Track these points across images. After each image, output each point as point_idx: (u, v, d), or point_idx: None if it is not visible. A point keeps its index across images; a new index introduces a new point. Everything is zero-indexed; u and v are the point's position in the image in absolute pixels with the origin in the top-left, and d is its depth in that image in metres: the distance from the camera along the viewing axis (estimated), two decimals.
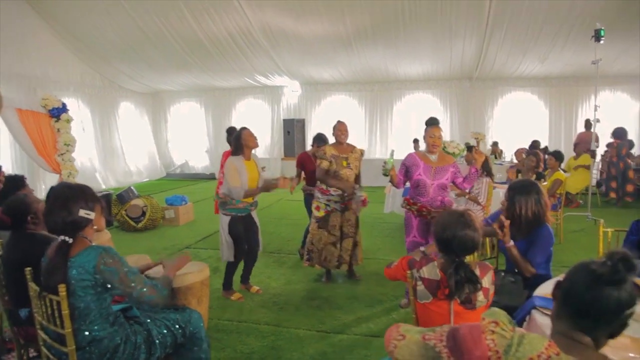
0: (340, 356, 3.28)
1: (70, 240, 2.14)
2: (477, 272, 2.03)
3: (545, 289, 2.40)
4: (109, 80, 12.29)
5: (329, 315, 3.98)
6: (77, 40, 10.41)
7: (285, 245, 6.34)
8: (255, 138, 4.33)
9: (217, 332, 3.63)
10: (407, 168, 3.98)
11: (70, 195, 2.18)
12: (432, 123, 3.97)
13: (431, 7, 8.45)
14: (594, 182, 8.75)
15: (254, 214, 4.43)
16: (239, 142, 4.25)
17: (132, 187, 7.76)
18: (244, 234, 4.31)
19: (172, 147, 14.67)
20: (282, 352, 3.36)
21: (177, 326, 2.46)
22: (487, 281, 2.04)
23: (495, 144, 10.87)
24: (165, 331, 2.41)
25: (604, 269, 1.16)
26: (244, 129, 4.34)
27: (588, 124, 9.89)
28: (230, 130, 5.74)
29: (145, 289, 2.21)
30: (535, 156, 6.08)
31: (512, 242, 2.78)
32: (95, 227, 2.26)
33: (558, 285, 1.26)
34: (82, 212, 2.17)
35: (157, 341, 2.36)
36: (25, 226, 2.76)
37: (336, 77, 12.38)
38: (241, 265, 4.51)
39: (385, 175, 3.96)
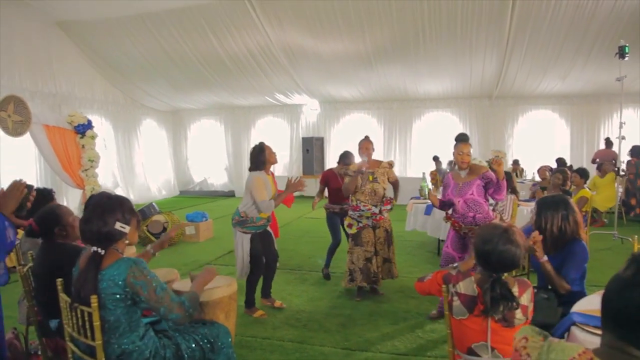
0: None
1: (103, 252, 2.14)
2: (516, 289, 1.97)
3: (582, 306, 2.34)
4: (131, 98, 12.54)
5: (353, 333, 3.92)
6: (102, 60, 10.69)
7: (306, 262, 6.30)
8: (275, 154, 4.42)
9: (241, 348, 3.59)
10: (444, 188, 4.16)
11: (109, 207, 2.19)
12: (460, 139, 4.01)
13: (451, 25, 8.48)
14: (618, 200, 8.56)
15: (268, 227, 4.48)
16: (262, 157, 4.28)
17: (153, 203, 7.84)
18: (262, 250, 4.34)
19: (192, 165, 14.81)
20: None
21: (205, 341, 2.44)
22: (526, 299, 1.98)
23: (516, 162, 10.74)
24: (194, 345, 2.39)
25: (628, 271, 1.13)
26: (265, 144, 4.37)
27: (608, 142, 9.76)
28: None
29: (173, 307, 2.16)
30: (562, 173, 5.93)
31: (545, 257, 2.72)
32: (127, 241, 2.27)
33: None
34: (118, 225, 2.17)
35: (186, 356, 2.34)
36: (52, 237, 2.77)
37: (355, 96, 12.44)
38: (260, 280, 4.49)
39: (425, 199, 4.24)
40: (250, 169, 4.32)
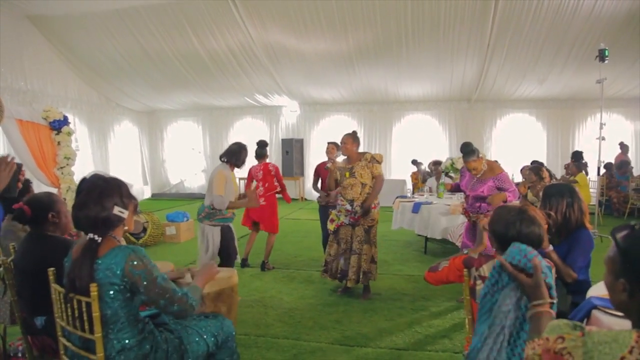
0: None
1: (99, 240, 1.97)
2: None
3: (599, 290, 2.33)
4: (106, 97, 12.16)
5: (349, 329, 3.84)
6: (76, 57, 10.32)
7: (292, 261, 6.19)
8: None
9: None
10: (461, 174, 4.50)
11: (106, 190, 2.01)
12: (466, 153, 4.17)
13: (434, 28, 8.53)
14: (593, 200, 8.77)
15: (231, 224, 4.47)
16: (242, 157, 4.35)
17: None
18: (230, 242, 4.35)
19: (168, 167, 14.48)
20: None
21: (209, 334, 2.30)
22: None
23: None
24: (197, 339, 2.25)
25: None
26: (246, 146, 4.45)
27: (623, 145, 10.24)
28: (262, 144, 5.84)
29: (174, 299, 2.01)
30: (535, 173, 6.24)
31: (551, 247, 2.69)
32: (126, 227, 2.10)
33: None
34: (117, 210, 1.99)
35: (189, 349, 2.20)
36: (45, 225, 2.57)
37: (336, 98, 12.40)
38: None
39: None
40: (225, 160, 4.32)
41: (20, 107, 7.27)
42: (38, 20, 9.14)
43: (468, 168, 4.19)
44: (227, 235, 4.28)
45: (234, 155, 4.31)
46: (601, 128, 7.02)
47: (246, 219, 5.96)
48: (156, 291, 1.96)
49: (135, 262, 1.92)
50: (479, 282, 1.94)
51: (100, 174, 2.18)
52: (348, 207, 4.55)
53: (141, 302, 2.07)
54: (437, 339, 3.61)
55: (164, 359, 2.10)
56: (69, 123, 7.28)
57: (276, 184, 5.86)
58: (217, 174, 4.16)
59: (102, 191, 2.00)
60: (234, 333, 2.44)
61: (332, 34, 8.96)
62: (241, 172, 4.86)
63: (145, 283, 1.93)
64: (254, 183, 5.87)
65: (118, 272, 1.90)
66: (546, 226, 1.98)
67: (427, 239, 6.51)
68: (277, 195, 5.93)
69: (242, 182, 12.10)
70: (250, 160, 4.96)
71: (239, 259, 4.64)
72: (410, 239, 7.31)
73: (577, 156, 8.92)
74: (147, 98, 12.64)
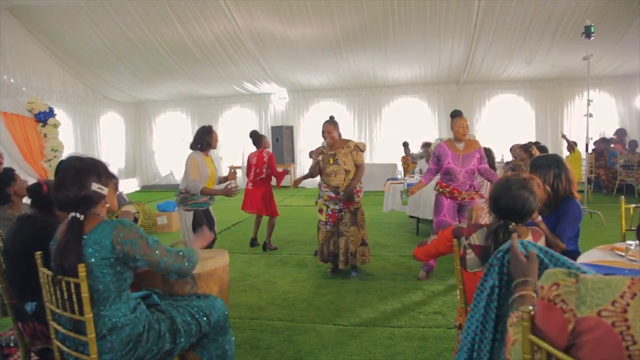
0: (363, 347, 3.14)
1: (82, 217, 1.96)
2: (530, 237, 1.92)
3: (585, 259, 2.35)
4: (92, 89, 12.02)
5: (343, 309, 3.85)
6: (60, 49, 10.16)
7: (284, 247, 6.19)
8: (218, 141, 4.56)
9: None
10: (438, 157, 4.34)
11: (83, 168, 2.00)
12: (457, 114, 4.31)
13: (420, 11, 8.50)
14: (583, 178, 8.84)
15: (211, 208, 4.52)
16: (205, 140, 4.36)
17: (122, 193, 7.53)
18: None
19: (158, 159, 14.38)
20: (301, 345, 3.20)
21: (201, 313, 2.30)
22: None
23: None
24: (189, 319, 2.24)
25: None
26: (212, 128, 4.48)
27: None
28: (254, 134, 5.99)
29: (171, 257, 2.06)
30: (525, 150, 6.34)
31: (539, 218, 2.70)
32: (107, 204, 2.09)
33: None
34: (95, 187, 1.99)
35: (182, 329, 2.19)
36: (53, 207, 2.58)
37: (324, 83, 12.35)
38: None
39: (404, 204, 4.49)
40: (192, 147, 4.38)
41: (4, 99, 7.15)
42: (19, 11, 8.98)
43: (463, 125, 4.21)
44: (200, 220, 4.30)
45: (200, 138, 4.37)
46: (588, 105, 7.04)
47: (245, 206, 6.12)
48: (151, 253, 1.99)
49: (122, 233, 1.93)
50: (469, 251, 1.95)
51: (77, 155, 2.16)
52: (331, 193, 4.55)
53: (133, 278, 2.09)
54: (430, 316, 3.64)
55: (157, 339, 2.10)
56: (55, 115, 7.18)
57: (264, 170, 5.90)
58: (190, 160, 4.26)
59: (78, 170, 2.00)
60: (226, 312, 2.44)
61: (319, 18, 8.89)
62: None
63: (138, 249, 1.95)
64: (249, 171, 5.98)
65: (107, 243, 1.90)
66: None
67: (418, 220, 6.54)
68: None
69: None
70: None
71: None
72: (402, 221, 7.34)
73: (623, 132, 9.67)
74: (133, 89, 12.50)
